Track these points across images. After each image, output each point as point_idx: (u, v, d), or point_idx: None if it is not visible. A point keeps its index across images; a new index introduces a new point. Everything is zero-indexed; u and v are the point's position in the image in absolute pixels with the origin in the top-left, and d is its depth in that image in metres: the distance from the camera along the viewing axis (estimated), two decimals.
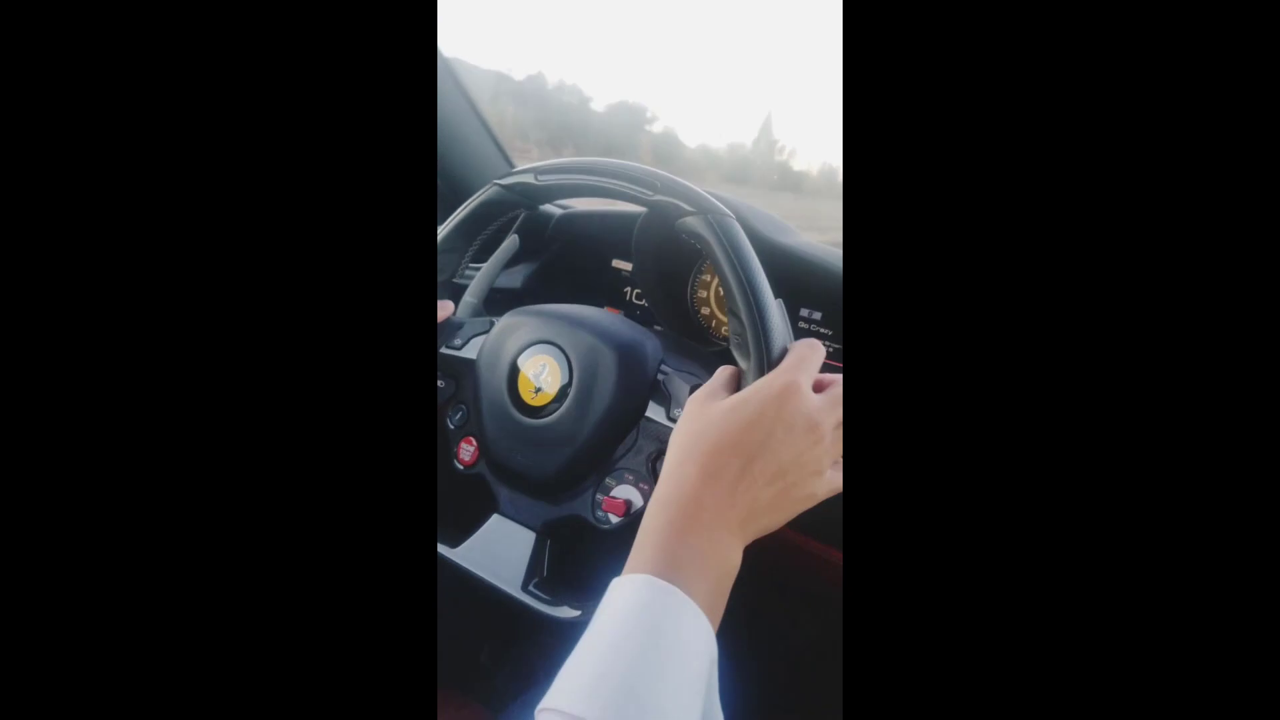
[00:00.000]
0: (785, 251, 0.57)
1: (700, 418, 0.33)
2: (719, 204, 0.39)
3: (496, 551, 0.46)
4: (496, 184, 0.47)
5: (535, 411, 0.44)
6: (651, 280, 0.63)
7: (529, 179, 0.45)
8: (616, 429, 0.43)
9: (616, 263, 0.68)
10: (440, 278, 0.52)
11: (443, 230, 0.50)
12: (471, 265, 0.57)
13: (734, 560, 0.29)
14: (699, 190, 0.40)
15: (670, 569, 0.27)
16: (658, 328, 0.63)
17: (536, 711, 0.25)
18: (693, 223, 0.39)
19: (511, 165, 0.74)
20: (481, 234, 0.51)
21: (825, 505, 0.33)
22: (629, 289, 0.65)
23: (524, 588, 0.45)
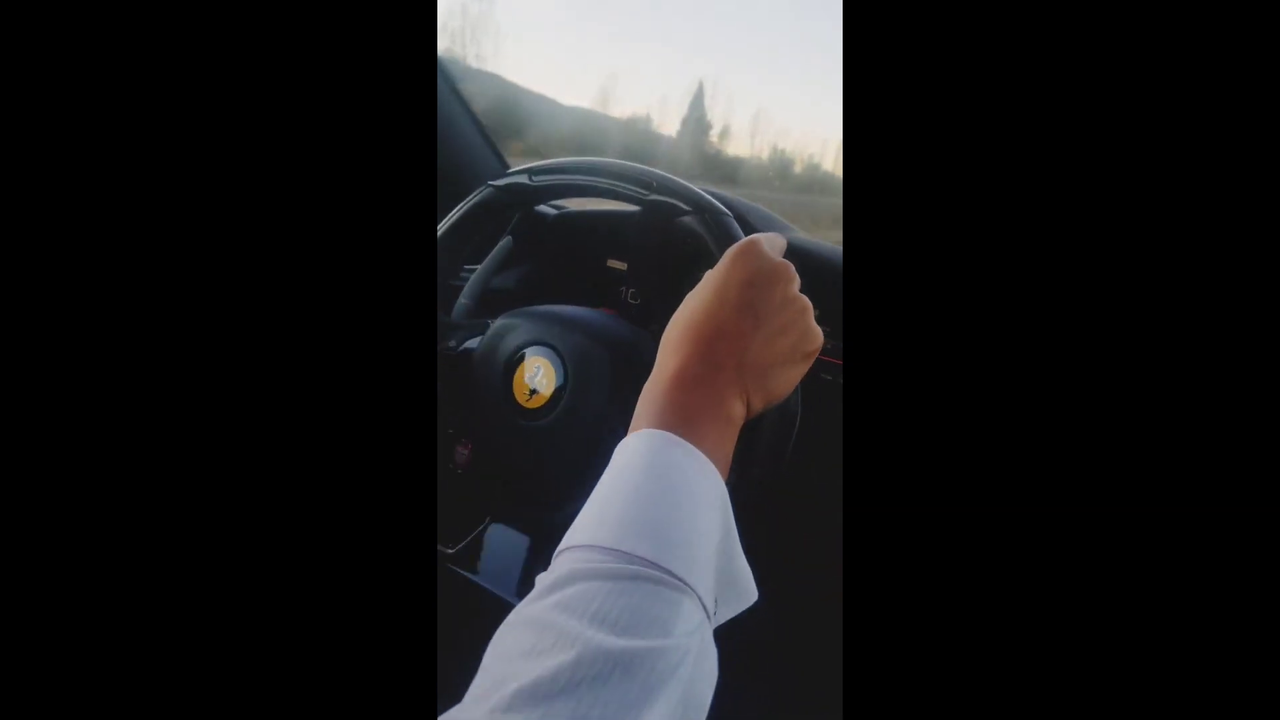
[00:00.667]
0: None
1: (679, 307, 0.33)
2: (716, 202, 0.39)
3: (492, 556, 0.46)
4: (491, 185, 0.46)
5: (531, 414, 0.44)
6: (647, 279, 0.62)
7: (523, 180, 0.45)
8: (613, 430, 0.43)
9: (612, 262, 0.67)
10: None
11: (437, 231, 0.49)
12: (467, 267, 0.56)
13: (729, 414, 0.29)
14: (696, 189, 0.39)
15: (667, 425, 0.28)
16: (654, 327, 0.63)
17: (555, 555, 0.25)
18: (689, 222, 0.39)
19: (505, 164, 0.74)
20: (476, 235, 0.50)
21: (824, 504, 0.33)
22: (625, 288, 0.64)
23: (518, 594, 0.44)
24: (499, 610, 0.47)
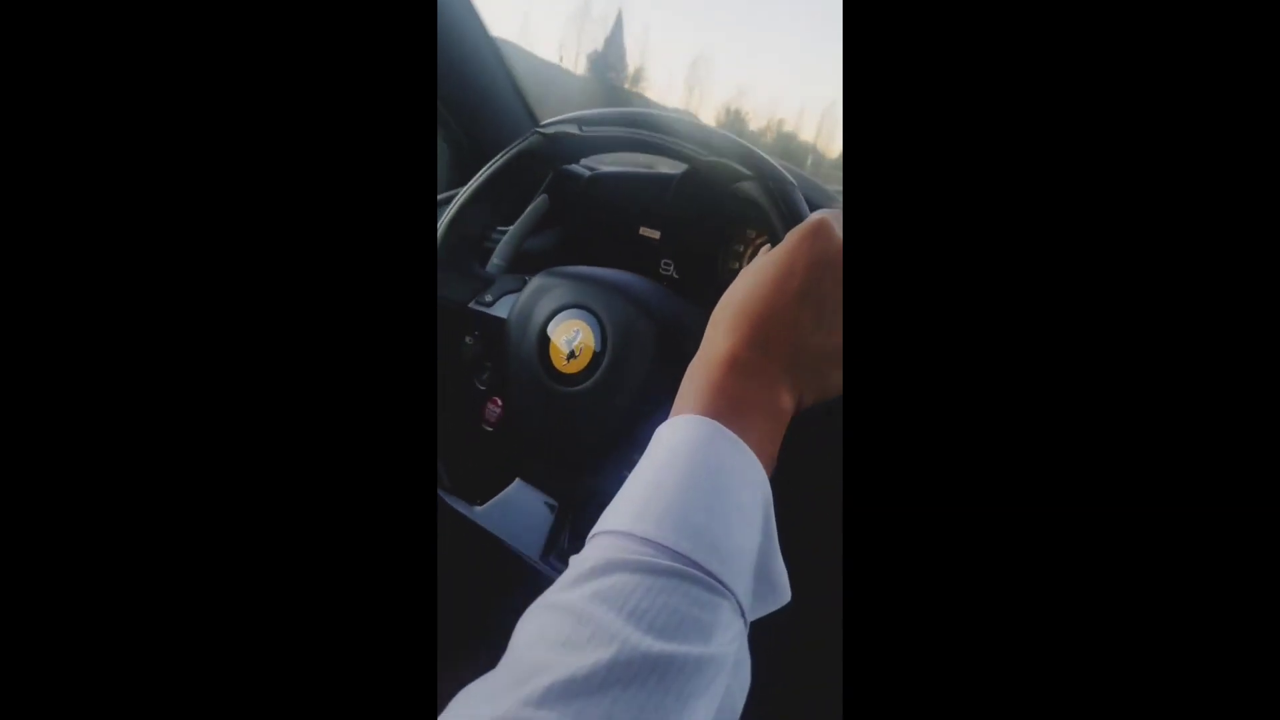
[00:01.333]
0: None
1: (733, 284, 0.31)
2: (784, 171, 0.37)
3: (517, 517, 0.45)
4: (538, 131, 0.44)
5: (567, 379, 0.43)
6: (684, 251, 0.61)
7: (572, 129, 0.43)
8: (652, 404, 0.41)
9: (644, 231, 0.66)
10: (469, 230, 0.50)
11: (476, 179, 0.48)
12: (499, 228, 0.55)
13: (780, 407, 0.28)
14: (760, 153, 0.38)
15: (715, 412, 0.26)
16: (700, 302, 0.61)
17: (589, 537, 0.25)
18: (749, 189, 0.37)
19: (536, 122, 0.72)
20: (516, 187, 0.48)
21: (825, 507, 0.32)
22: (663, 261, 0.63)
23: (543, 557, 0.44)
24: (521, 568, 0.46)
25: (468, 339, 0.50)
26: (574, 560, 0.24)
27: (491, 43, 0.69)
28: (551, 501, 0.45)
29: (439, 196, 0.64)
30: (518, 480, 0.46)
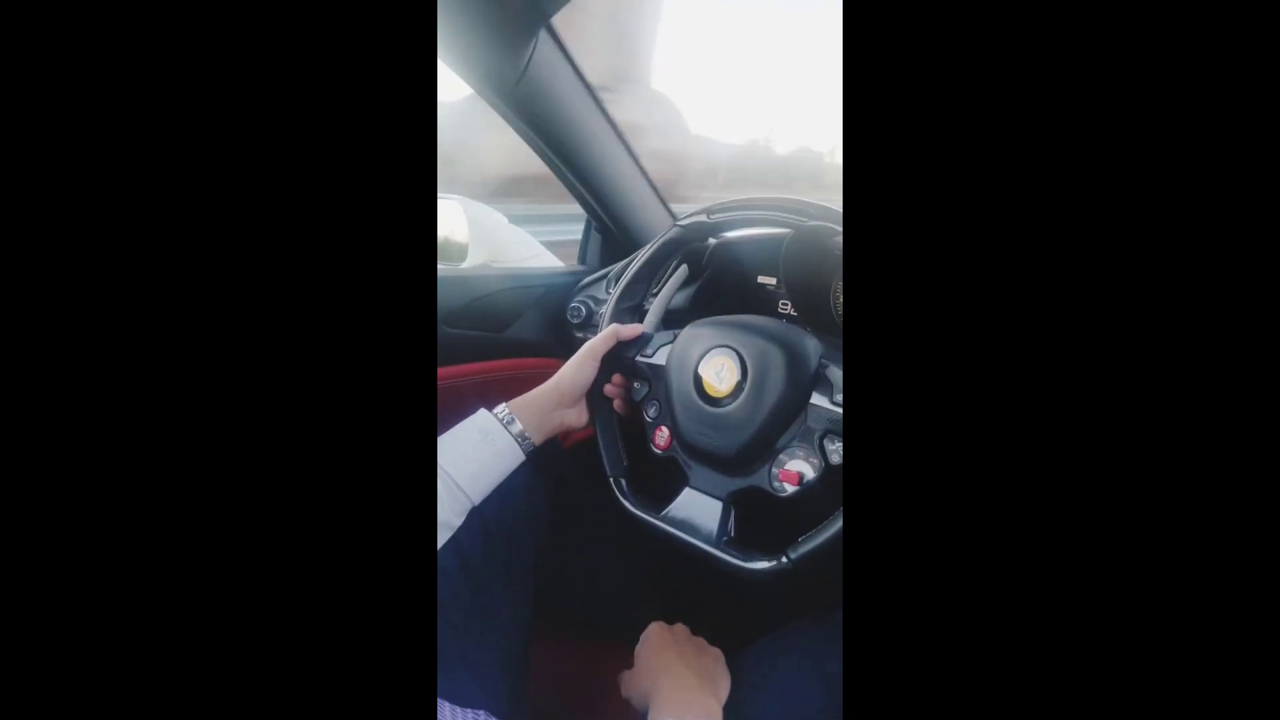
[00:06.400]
0: None
1: None
2: None
3: (691, 517, 0.57)
4: (678, 225, 0.60)
5: (717, 402, 0.56)
6: (798, 291, 0.73)
7: (703, 218, 0.58)
8: (787, 414, 0.53)
9: (762, 279, 0.78)
10: (630, 304, 0.66)
11: (633, 266, 0.64)
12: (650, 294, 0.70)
13: None
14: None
15: None
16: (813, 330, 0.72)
17: None
18: (841, 240, 0.49)
19: (670, 211, 0.88)
20: (663, 265, 0.64)
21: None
22: (780, 302, 0.75)
23: (715, 545, 0.55)
24: (699, 558, 0.58)
25: (636, 384, 0.65)
26: None
27: (629, 148, 0.87)
28: (716, 501, 0.57)
29: (598, 273, 0.83)
30: (687, 489, 0.59)
